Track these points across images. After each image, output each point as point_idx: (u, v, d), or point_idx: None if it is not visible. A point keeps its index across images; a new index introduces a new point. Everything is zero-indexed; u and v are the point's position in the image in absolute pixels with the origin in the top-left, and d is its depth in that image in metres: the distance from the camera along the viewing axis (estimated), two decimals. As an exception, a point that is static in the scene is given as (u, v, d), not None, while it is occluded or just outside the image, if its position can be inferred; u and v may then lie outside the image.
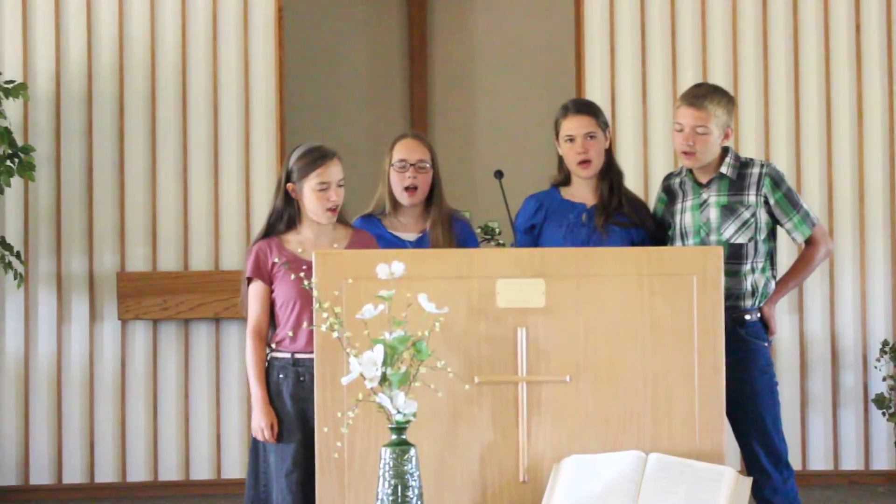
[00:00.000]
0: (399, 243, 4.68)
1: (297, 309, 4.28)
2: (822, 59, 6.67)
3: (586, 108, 4.71)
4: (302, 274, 3.80)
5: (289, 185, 4.36)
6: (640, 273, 3.75)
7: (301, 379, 4.28)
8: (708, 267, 3.75)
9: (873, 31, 6.67)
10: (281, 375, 4.31)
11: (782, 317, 6.42)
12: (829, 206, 6.62)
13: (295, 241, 4.37)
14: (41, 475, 6.45)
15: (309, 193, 4.33)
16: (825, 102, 6.66)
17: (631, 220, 4.66)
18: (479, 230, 6.25)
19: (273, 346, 4.37)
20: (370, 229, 4.68)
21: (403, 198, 4.69)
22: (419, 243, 4.69)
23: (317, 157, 4.34)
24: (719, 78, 6.52)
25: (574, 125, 4.64)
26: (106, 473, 6.47)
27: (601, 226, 4.62)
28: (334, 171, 4.34)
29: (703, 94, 4.57)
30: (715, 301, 3.74)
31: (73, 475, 6.46)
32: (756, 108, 6.66)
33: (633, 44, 6.69)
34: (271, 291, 4.35)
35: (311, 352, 4.12)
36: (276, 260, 4.28)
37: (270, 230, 4.40)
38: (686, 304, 3.74)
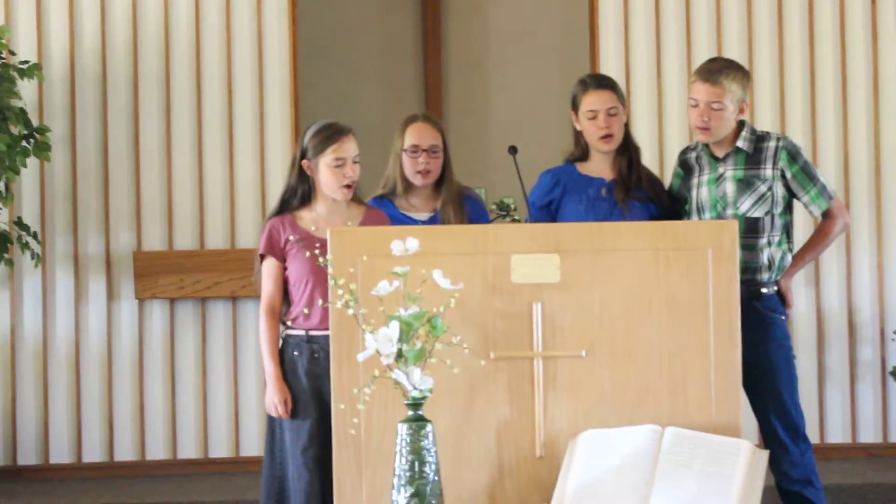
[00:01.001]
0: (411, 223, 4.68)
1: (309, 286, 4.29)
2: (838, 31, 6.64)
3: (607, 83, 4.70)
4: (317, 251, 3.80)
5: (304, 161, 4.36)
6: (656, 247, 3.75)
7: (316, 356, 4.29)
8: (723, 241, 3.75)
9: (889, 3, 6.63)
10: (295, 353, 4.32)
11: (798, 290, 6.40)
12: (846, 179, 6.59)
13: (308, 219, 4.37)
14: (61, 454, 6.48)
15: (325, 170, 4.33)
16: (840, 75, 6.63)
17: (648, 196, 4.66)
18: (493, 206, 6.25)
19: (287, 323, 4.38)
20: (383, 210, 4.69)
21: (416, 179, 4.70)
22: (430, 223, 4.69)
23: (332, 133, 4.34)
24: (734, 52, 6.49)
25: (596, 100, 4.63)
26: (125, 452, 6.50)
27: (622, 200, 4.62)
28: (350, 147, 4.34)
29: (718, 70, 4.56)
30: (730, 275, 3.73)
31: (93, 454, 6.50)
32: (771, 81, 6.63)
33: (647, 19, 6.66)
34: (284, 269, 4.36)
35: (326, 329, 4.14)
36: (291, 237, 4.29)
37: (284, 206, 4.41)
38: (701, 278, 3.73)
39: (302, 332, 4.32)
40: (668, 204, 4.72)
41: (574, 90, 4.72)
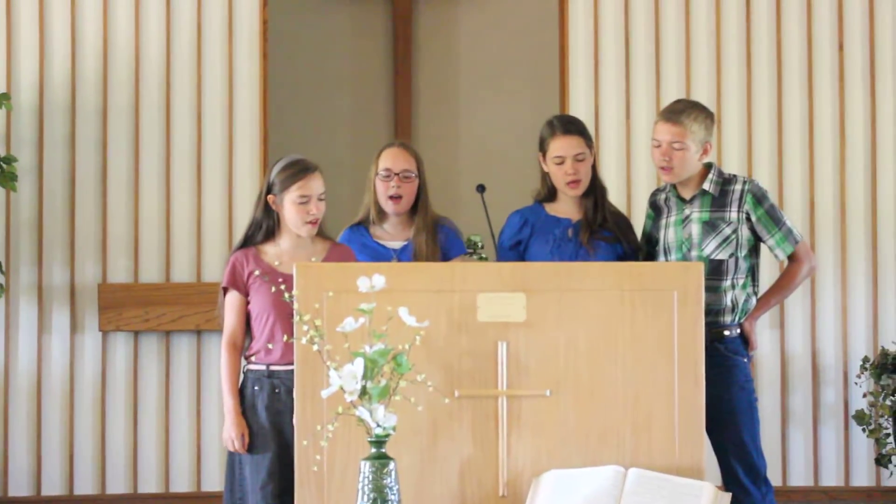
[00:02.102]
0: (384, 252, 4.69)
1: (270, 320, 4.29)
2: (805, 77, 6.69)
3: (575, 129, 4.70)
4: (282, 287, 3.80)
5: (269, 196, 4.37)
6: (621, 288, 3.76)
7: (276, 391, 4.28)
8: (689, 282, 3.76)
9: (856, 49, 6.69)
10: (256, 387, 4.31)
11: (763, 332, 6.43)
12: (811, 223, 6.63)
13: (273, 254, 4.37)
14: (20, 487, 6.41)
15: (289, 206, 4.34)
16: (808, 119, 6.68)
17: (615, 235, 4.68)
18: (461, 244, 6.26)
19: (249, 357, 4.37)
20: (357, 238, 4.70)
21: (388, 206, 4.71)
22: (404, 251, 4.70)
23: (298, 171, 4.35)
24: (702, 94, 6.54)
25: (563, 146, 4.64)
26: (86, 485, 6.44)
27: (587, 241, 4.63)
28: (315, 185, 4.35)
29: (680, 110, 4.59)
30: (695, 316, 3.75)
31: (53, 487, 6.43)
32: (739, 124, 6.68)
33: (616, 60, 6.70)
34: (247, 302, 4.36)
35: (287, 364, 4.14)
36: (256, 272, 4.28)
37: (248, 241, 4.41)
38: (666, 320, 3.75)
39: (263, 367, 4.32)
40: (635, 243, 4.73)
41: (542, 132, 4.73)
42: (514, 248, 4.73)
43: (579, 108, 6.57)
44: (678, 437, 3.72)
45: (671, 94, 6.49)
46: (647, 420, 3.72)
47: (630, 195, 6.60)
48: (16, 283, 6.44)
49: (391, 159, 4.72)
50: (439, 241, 4.71)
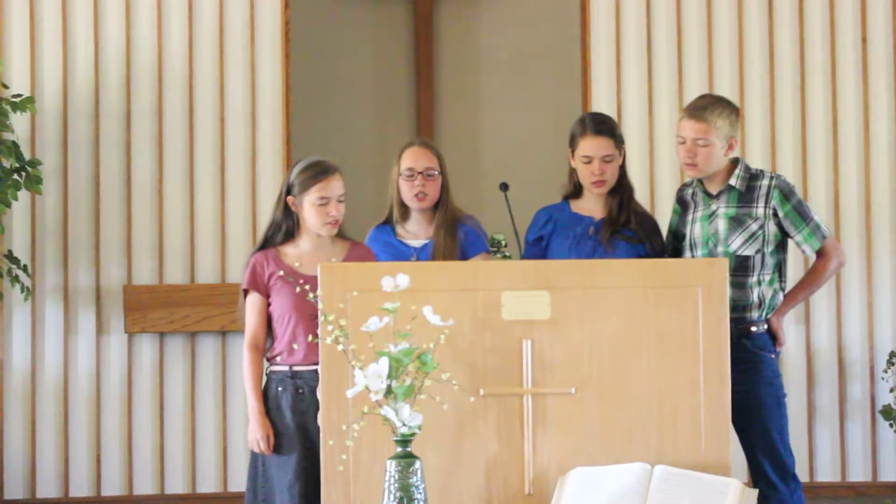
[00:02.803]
0: (405, 250, 4.71)
1: (293, 322, 4.29)
2: (829, 70, 6.66)
3: (605, 129, 4.69)
4: (306, 287, 3.80)
5: (289, 197, 4.38)
6: (645, 285, 3.75)
7: (300, 391, 4.29)
8: (713, 279, 3.75)
9: (879, 42, 6.66)
10: (280, 388, 4.32)
11: (789, 328, 6.40)
12: (836, 217, 6.60)
13: (293, 255, 4.38)
14: (48, 488, 6.45)
15: (309, 207, 4.34)
16: (831, 113, 6.66)
17: (638, 236, 4.66)
18: (483, 242, 6.26)
19: (271, 359, 4.37)
20: (382, 237, 4.73)
21: (413, 203, 4.72)
22: (423, 250, 4.71)
23: (318, 172, 4.35)
24: (725, 89, 6.51)
25: (592, 147, 4.64)
26: (113, 486, 6.47)
27: (606, 240, 4.62)
28: (335, 186, 4.35)
29: (705, 106, 4.57)
30: (720, 313, 3.73)
31: (80, 488, 6.46)
32: (762, 119, 6.66)
33: (639, 55, 6.69)
34: (268, 304, 4.36)
35: (310, 364, 4.14)
36: (280, 273, 4.29)
37: (268, 242, 4.41)
38: (691, 316, 3.73)
39: (286, 368, 4.32)
40: (660, 245, 4.71)
41: (573, 128, 4.72)
42: (537, 244, 4.73)
43: (601, 104, 6.56)
44: (704, 434, 3.71)
45: (693, 89, 6.48)
46: (672, 417, 3.71)
47: (653, 190, 6.58)
48: (42, 285, 6.47)
49: (413, 158, 4.74)
50: (458, 239, 4.71)
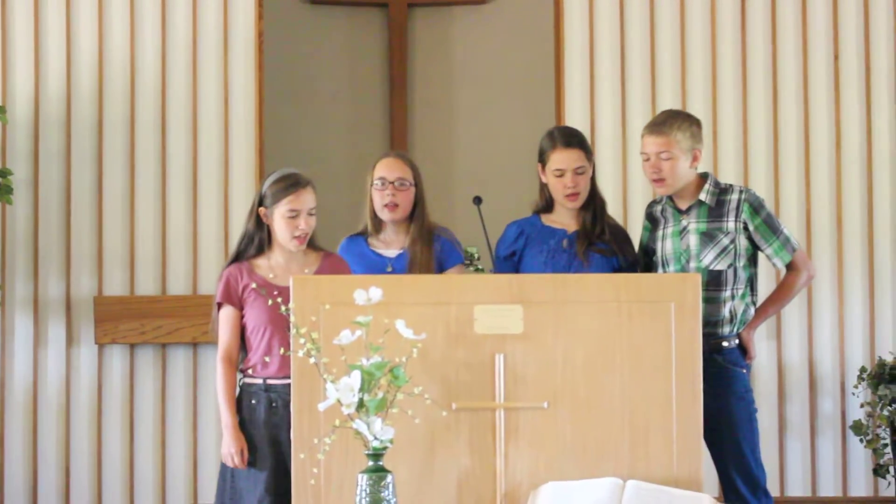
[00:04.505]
0: (379, 260, 4.71)
1: (267, 334, 4.28)
2: (801, 86, 6.69)
3: (575, 142, 4.70)
4: (279, 300, 3.79)
5: (261, 209, 4.37)
6: (619, 300, 3.76)
7: (273, 405, 4.27)
8: (686, 294, 3.76)
9: (851, 59, 6.70)
10: (253, 401, 4.30)
11: (760, 343, 6.42)
12: (808, 232, 6.63)
13: (266, 267, 4.37)
14: (16, 500, 6.40)
15: (279, 220, 4.34)
16: (803, 129, 6.68)
17: (611, 248, 4.67)
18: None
19: (245, 371, 4.35)
20: (354, 248, 4.72)
21: (384, 213, 4.72)
22: (399, 260, 4.71)
23: (290, 185, 4.35)
24: (698, 104, 6.54)
25: (564, 159, 4.64)
26: (82, 499, 6.42)
27: (582, 252, 4.63)
28: (306, 199, 4.34)
29: (664, 121, 4.60)
30: (693, 328, 3.74)
31: (49, 501, 6.41)
32: (735, 134, 6.68)
33: (612, 69, 6.70)
34: (242, 316, 4.35)
35: (283, 377, 4.13)
36: (253, 285, 4.28)
37: (240, 255, 4.40)
38: (664, 331, 3.74)
39: (259, 381, 4.31)
40: (633, 256, 4.73)
41: (542, 143, 4.73)
42: (509, 259, 4.73)
43: (575, 119, 6.57)
44: (676, 449, 3.71)
45: (666, 103, 6.49)
46: (644, 432, 3.72)
47: (626, 205, 6.59)
48: (11, 296, 6.43)
49: (386, 168, 4.75)
50: (434, 251, 4.72)
